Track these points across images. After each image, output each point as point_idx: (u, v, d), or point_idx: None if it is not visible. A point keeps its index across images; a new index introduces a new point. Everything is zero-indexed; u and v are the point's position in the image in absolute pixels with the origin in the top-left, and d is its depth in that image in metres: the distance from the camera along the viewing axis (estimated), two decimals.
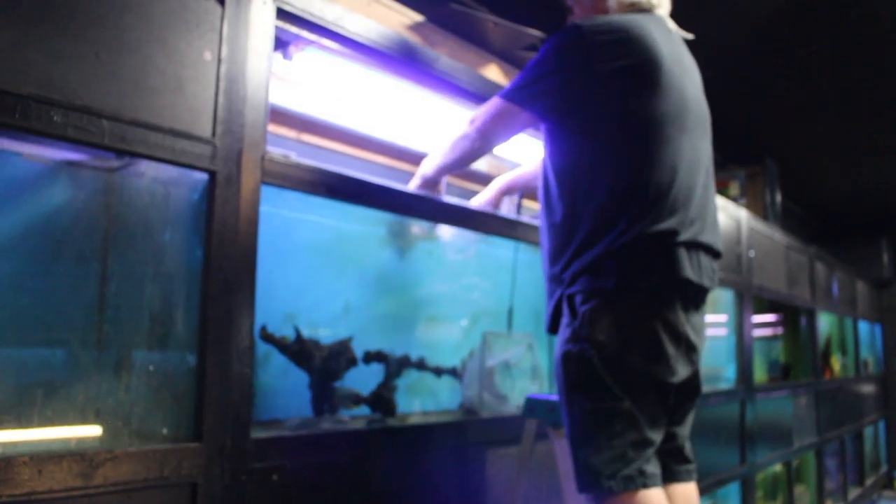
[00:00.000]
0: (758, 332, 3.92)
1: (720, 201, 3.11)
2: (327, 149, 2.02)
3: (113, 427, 1.21)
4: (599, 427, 1.31)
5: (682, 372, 1.36)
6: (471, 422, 1.79)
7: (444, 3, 2.15)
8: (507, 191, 1.99)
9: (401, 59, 1.69)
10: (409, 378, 1.90)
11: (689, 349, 1.38)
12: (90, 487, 1.03)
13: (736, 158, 4.58)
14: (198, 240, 1.24)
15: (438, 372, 1.99)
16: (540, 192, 1.53)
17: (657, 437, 1.35)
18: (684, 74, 1.46)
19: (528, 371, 2.13)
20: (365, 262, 1.97)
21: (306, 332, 1.63)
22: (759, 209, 4.49)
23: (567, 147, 1.45)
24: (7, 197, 1.25)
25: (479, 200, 1.96)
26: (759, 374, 4.06)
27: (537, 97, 1.45)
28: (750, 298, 3.44)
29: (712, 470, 2.90)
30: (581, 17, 1.60)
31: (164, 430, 1.22)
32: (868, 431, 6.17)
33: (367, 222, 1.92)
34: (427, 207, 1.73)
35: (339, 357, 1.64)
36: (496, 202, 1.98)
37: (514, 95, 1.49)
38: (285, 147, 1.45)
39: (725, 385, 3.31)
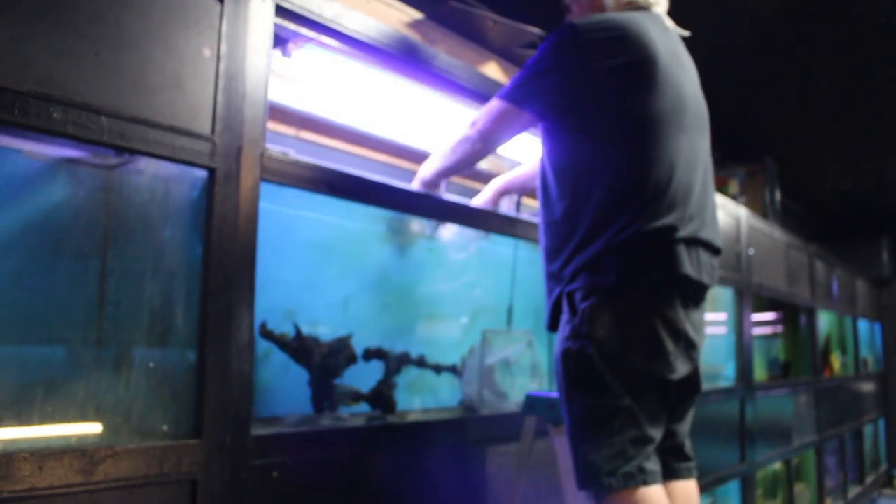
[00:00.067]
0: (757, 331, 3.93)
1: (720, 199, 3.11)
2: (326, 146, 2.02)
3: (113, 424, 1.21)
4: (599, 424, 1.31)
5: (681, 369, 1.36)
6: (471, 419, 1.80)
7: (443, 0, 2.15)
8: (505, 191, 1.99)
9: (400, 56, 1.69)
10: (408, 375, 1.90)
11: (689, 346, 1.38)
12: (90, 484, 1.03)
13: (735, 156, 4.58)
14: (197, 237, 1.24)
15: (438, 369, 1.99)
16: (539, 191, 1.53)
17: (657, 434, 1.35)
18: (682, 72, 1.46)
19: (527, 368, 2.13)
20: (365, 259, 1.97)
21: (306, 329, 1.63)
22: (759, 207, 4.48)
23: (566, 145, 1.45)
24: (7, 194, 1.25)
25: (478, 202, 1.96)
26: (759, 373, 4.06)
27: (536, 96, 1.46)
28: (749, 296, 3.44)
29: (712, 468, 2.90)
30: (579, 15, 1.60)
31: (165, 427, 1.22)
32: (868, 430, 6.17)
33: (366, 219, 1.92)
34: (427, 205, 1.73)
35: (338, 354, 1.64)
36: (494, 203, 1.98)
37: (513, 95, 1.49)
38: (284, 144, 1.45)
39: (725, 383, 3.31)
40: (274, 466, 1.28)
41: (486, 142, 1.56)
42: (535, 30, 2.27)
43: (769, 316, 4.61)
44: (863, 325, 6.46)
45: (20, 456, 0.96)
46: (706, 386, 2.45)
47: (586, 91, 1.40)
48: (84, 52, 1.07)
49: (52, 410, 1.17)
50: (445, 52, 1.86)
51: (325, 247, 1.84)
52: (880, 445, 6.82)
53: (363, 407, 1.73)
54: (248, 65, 1.29)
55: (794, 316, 4.68)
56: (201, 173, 1.24)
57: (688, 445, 1.49)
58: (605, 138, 1.39)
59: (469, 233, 2.08)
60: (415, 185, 1.74)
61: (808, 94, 4.20)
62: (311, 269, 1.82)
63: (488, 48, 2.31)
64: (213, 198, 1.22)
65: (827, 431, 4.65)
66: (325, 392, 1.63)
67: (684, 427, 1.49)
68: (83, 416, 1.20)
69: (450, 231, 2.04)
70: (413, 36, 1.84)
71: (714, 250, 1.45)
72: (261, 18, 1.32)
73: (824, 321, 5.26)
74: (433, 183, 1.73)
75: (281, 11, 1.40)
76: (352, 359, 1.67)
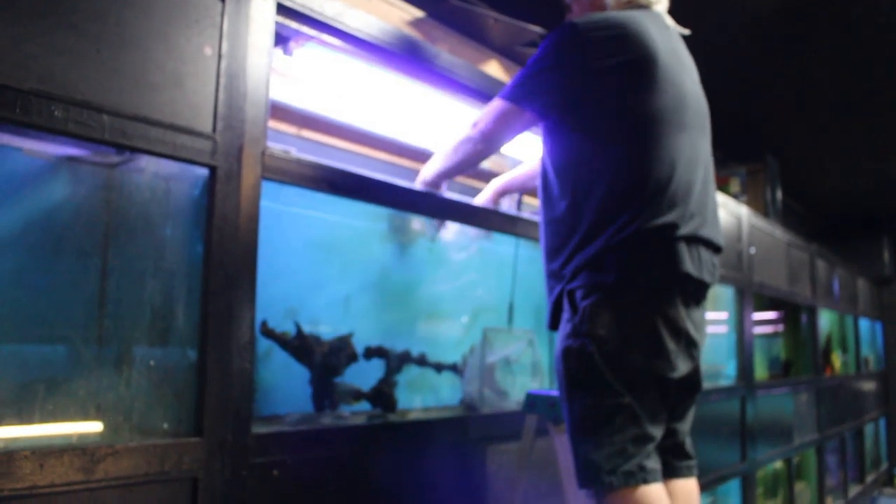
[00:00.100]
0: (758, 330, 3.93)
1: (721, 198, 3.11)
2: (328, 145, 2.02)
3: (114, 422, 1.21)
4: (600, 422, 1.31)
5: (682, 367, 1.36)
6: (471, 418, 1.80)
7: None
8: (505, 191, 1.99)
9: (401, 55, 1.69)
10: (409, 374, 1.90)
11: (690, 345, 1.38)
12: (91, 482, 1.03)
13: (737, 155, 4.58)
14: (198, 235, 1.24)
15: (439, 368, 1.99)
16: (539, 190, 1.53)
17: (657, 432, 1.35)
18: (682, 70, 1.46)
19: (528, 367, 2.13)
20: (366, 257, 1.97)
21: (307, 328, 1.63)
22: (760, 206, 4.48)
23: (567, 144, 1.45)
24: (8, 192, 1.25)
25: (478, 202, 1.96)
26: (760, 372, 4.06)
27: (536, 94, 1.46)
28: (750, 295, 3.44)
29: (713, 466, 2.90)
30: (579, 14, 1.60)
31: (165, 425, 1.22)
32: (869, 429, 6.17)
33: (367, 218, 1.92)
34: (428, 203, 1.73)
35: (339, 353, 1.64)
36: (494, 203, 1.98)
37: (513, 94, 1.49)
38: (286, 143, 1.45)
39: (726, 382, 3.31)
40: (275, 465, 1.28)
41: (487, 142, 1.57)
42: (537, 28, 2.27)
43: (770, 315, 4.61)
44: (864, 324, 6.46)
45: (21, 454, 0.96)
46: (707, 385, 2.45)
47: (586, 90, 1.40)
48: (85, 50, 1.07)
49: (53, 409, 1.17)
50: (447, 50, 1.86)
51: (326, 245, 1.84)
52: (881, 444, 6.82)
53: (364, 405, 1.73)
54: (249, 63, 1.29)
55: (794, 315, 4.68)
56: (202, 172, 1.24)
57: (688, 444, 1.49)
58: (606, 137, 1.39)
59: (470, 233, 2.08)
60: (416, 187, 1.74)
61: (809, 94, 4.20)
62: (313, 267, 1.82)
63: (489, 47, 2.31)
64: (214, 196, 1.22)
65: (828, 430, 4.65)
66: (325, 390, 1.63)
67: (685, 425, 1.49)
68: (84, 415, 1.20)
69: (451, 232, 2.04)
70: (414, 34, 1.84)
71: (715, 248, 1.45)
72: (262, 17, 1.32)
73: (825, 320, 5.25)
74: (435, 184, 1.73)
75: (282, 10, 1.40)
76: (353, 357, 1.67)
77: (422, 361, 1.92)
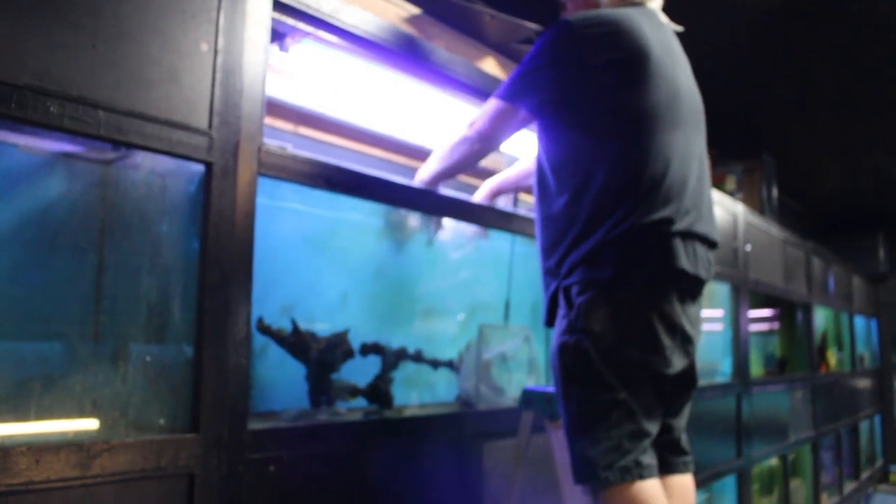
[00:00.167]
0: (754, 327, 3.94)
1: (717, 196, 3.11)
2: (324, 142, 2.02)
3: (110, 418, 1.21)
4: (596, 418, 1.31)
5: (677, 363, 1.37)
6: (467, 414, 1.80)
7: None
8: (499, 192, 2.00)
9: (398, 51, 1.69)
10: (405, 370, 1.90)
11: (685, 341, 1.38)
12: (87, 477, 1.03)
13: (733, 153, 4.58)
14: (194, 231, 1.24)
15: (435, 364, 2.00)
16: (535, 187, 1.53)
17: (653, 428, 1.36)
18: (676, 66, 1.47)
19: (524, 363, 2.14)
20: (362, 254, 1.97)
21: (303, 324, 1.63)
22: (756, 204, 4.49)
23: (562, 141, 1.46)
24: (3, 189, 1.25)
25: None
26: (756, 369, 4.07)
27: (531, 92, 1.46)
28: (746, 293, 3.45)
29: (709, 463, 2.91)
30: (573, 11, 1.60)
31: (161, 421, 1.22)
32: (864, 426, 6.19)
33: (364, 215, 1.92)
34: (424, 200, 1.73)
35: (335, 349, 1.65)
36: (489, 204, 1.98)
37: (509, 93, 1.50)
38: (282, 140, 1.45)
39: (722, 379, 3.32)
40: (271, 461, 1.28)
41: (484, 141, 1.57)
42: (533, 25, 2.27)
43: (766, 312, 4.62)
44: (859, 322, 6.48)
45: (17, 450, 0.96)
46: (703, 382, 2.46)
47: (581, 87, 1.41)
48: (81, 45, 1.06)
49: (49, 405, 1.17)
50: (443, 47, 1.86)
51: (322, 242, 1.84)
52: (876, 441, 6.85)
53: (360, 402, 1.74)
54: (245, 59, 1.29)
55: (790, 312, 4.70)
56: (198, 168, 1.24)
57: (684, 440, 1.50)
58: (600, 133, 1.40)
59: (467, 233, 2.08)
60: (412, 184, 1.74)
61: (807, 92, 4.21)
62: (309, 264, 1.82)
63: (486, 43, 2.30)
64: (210, 192, 1.22)
65: (823, 427, 4.66)
66: (322, 387, 1.63)
67: (681, 421, 1.49)
68: (80, 411, 1.20)
69: (448, 232, 2.04)
70: (410, 31, 1.84)
71: (710, 244, 1.45)
72: (258, 13, 1.32)
73: (821, 317, 5.27)
74: (433, 185, 1.74)
75: (278, 6, 1.40)
76: (349, 354, 1.68)
77: (418, 358, 1.93)
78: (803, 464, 4.58)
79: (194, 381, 1.18)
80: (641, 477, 1.29)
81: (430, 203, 1.75)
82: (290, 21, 1.47)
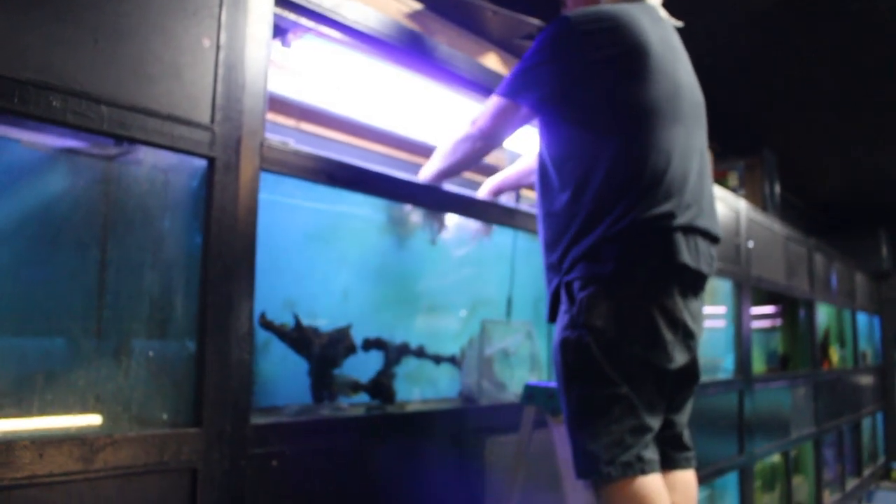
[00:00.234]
0: (756, 324, 3.93)
1: (719, 192, 3.11)
2: (326, 137, 2.02)
3: (113, 412, 1.21)
4: (597, 413, 1.31)
5: (679, 359, 1.37)
6: (470, 409, 1.80)
7: None
8: (500, 190, 2.00)
9: (400, 47, 1.69)
10: (408, 366, 1.90)
11: (687, 336, 1.38)
12: (90, 471, 1.03)
13: (735, 149, 4.58)
14: (197, 226, 1.24)
15: (437, 360, 2.00)
16: (537, 183, 1.53)
17: (655, 423, 1.36)
18: (676, 61, 1.47)
19: (526, 359, 2.14)
20: (364, 249, 1.97)
21: (305, 320, 1.63)
22: (758, 200, 4.48)
23: (563, 137, 1.46)
24: (6, 184, 1.25)
25: None
26: (758, 365, 4.07)
27: (532, 88, 1.46)
28: (748, 289, 3.45)
29: (711, 459, 2.91)
30: (573, 8, 1.60)
31: (164, 416, 1.22)
32: (866, 422, 6.19)
33: (366, 210, 1.92)
34: (426, 196, 1.73)
35: (338, 344, 1.65)
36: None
37: (510, 90, 1.50)
38: (284, 135, 1.45)
39: (724, 375, 3.32)
40: (273, 455, 1.29)
41: (487, 139, 1.57)
42: (535, 21, 2.27)
43: (768, 309, 4.62)
44: (861, 319, 6.47)
45: (21, 444, 0.97)
46: (705, 378, 2.46)
47: (581, 82, 1.41)
48: (83, 40, 1.07)
49: (53, 399, 1.18)
50: (445, 43, 1.85)
51: (324, 237, 1.84)
52: (878, 438, 6.84)
53: (362, 397, 1.74)
54: (247, 54, 1.29)
55: (792, 309, 4.69)
56: (201, 163, 1.24)
57: (686, 435, 1.50)
58: (601, 129, 1.40)
59: (470, 229, 2.08)
60: (414, 179, 1.74)
61: (808, 88, 4.20)
62: (311, 259, 1.82)
63: (488, 39, 2.30)
64: (212, 188, 1.22)
65: (825, 424, 4.66)
66: (324, 382, 1.64)
67: (683, 417, 1.49)
68: (83, 406, 1.21)
69: (451, 229, 2.04)
70: (412, 26, 1.84)
71: (712, 239, 1.45)
72: (260, 8, 1.32)
73: (823, 314, 5.26)
74: (435, 183, 1.74)
75: (280, 1, 1.40)
76: (351, 349, 1.68)
77: (420, 353, 1.93)
78: (805, 461, 4.58)
79: (197, 375, 1.19)
80: (643, 472, 1.29)
81: (432, 198, 1.75)
82: (292, 16, 1.47)
